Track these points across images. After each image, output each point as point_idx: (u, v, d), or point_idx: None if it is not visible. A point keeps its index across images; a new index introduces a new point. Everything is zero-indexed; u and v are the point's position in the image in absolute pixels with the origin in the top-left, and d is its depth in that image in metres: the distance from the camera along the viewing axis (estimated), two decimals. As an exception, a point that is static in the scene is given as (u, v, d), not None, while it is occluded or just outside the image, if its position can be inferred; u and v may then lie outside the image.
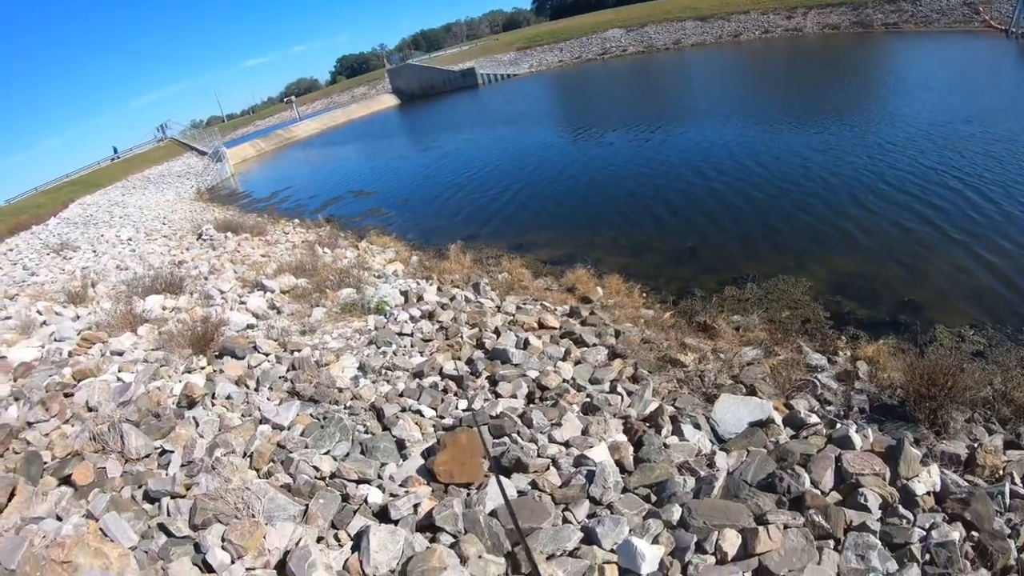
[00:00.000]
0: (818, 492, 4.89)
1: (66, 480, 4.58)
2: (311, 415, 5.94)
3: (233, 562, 3.77)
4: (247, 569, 3.75)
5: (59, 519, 4.11)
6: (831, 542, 4.47)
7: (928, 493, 4.98)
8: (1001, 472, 5.44)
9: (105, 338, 7.89)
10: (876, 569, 4.21)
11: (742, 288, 9.88)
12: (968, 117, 18.06)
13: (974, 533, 4.58)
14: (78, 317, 9.25)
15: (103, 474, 4.66)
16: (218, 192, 36.40)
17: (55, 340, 7.99)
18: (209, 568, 3.73)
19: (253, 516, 4.13)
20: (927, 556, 4.36)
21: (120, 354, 7.46)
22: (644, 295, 10.19)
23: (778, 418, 6.04)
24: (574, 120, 32.47)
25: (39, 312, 9.24)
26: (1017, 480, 5.32)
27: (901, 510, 4.77)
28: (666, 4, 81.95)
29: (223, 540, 3.89)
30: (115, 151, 65.21)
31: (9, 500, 4.17)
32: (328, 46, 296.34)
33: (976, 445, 5.73)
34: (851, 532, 4.52)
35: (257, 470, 5.01)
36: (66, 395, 5.94)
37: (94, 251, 17.45)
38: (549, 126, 31.40)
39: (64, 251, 17.82)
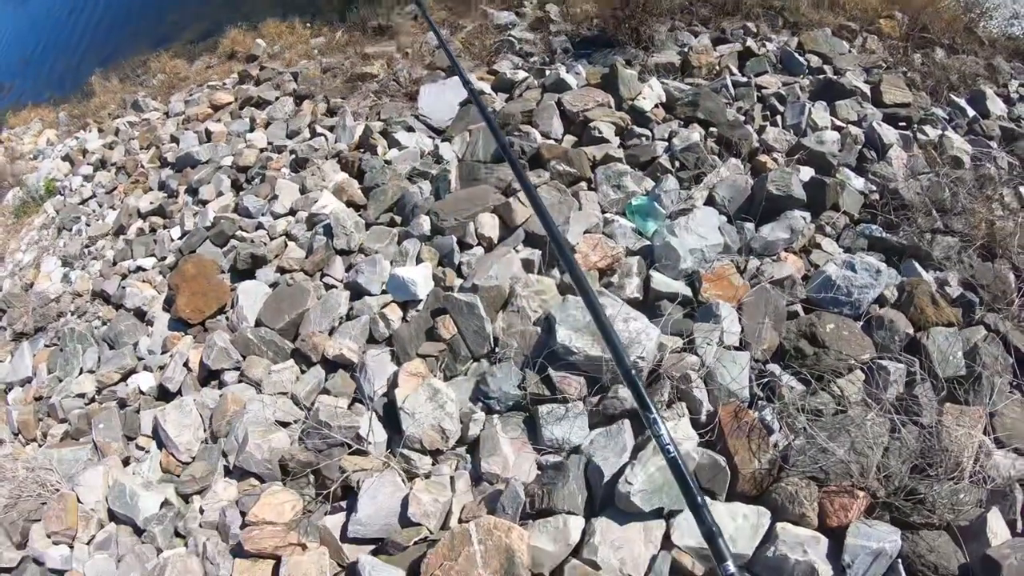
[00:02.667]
0: (552, 142, 4.86)
1: None
2: (46, 346, 5.28)
3: (72, 548, 3.44)
4: (88, 544, 3.45)
5: None
6: (584, 184, 4.52)
7: (657, 105, 5.10)
8: (718, 67, 5.71)
9: None
10: (634, 192, 4.31)
11: None
12: None
13: (712, 129, 4.79)
14: None
15: None
16: None
17: None
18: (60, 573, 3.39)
19: (57, 491, 3.71)
20: (676, 163, 4.50)
21: None
22: (308, 25, 9.24)
23: (487, 87, 5.94)
24: None
25: None
26: (734, 70, 5.69)
27: (637, 130, 4.89)
28: None
29: (49, 537, 3.49)
30: None
31: None
32: None
33: (686, 49, 5.90)
34: (598, 167, 4.55)
35: (29, 439, 4.51)
36: None
37: None
38: None
39: None
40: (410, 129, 5.69)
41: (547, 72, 5.80)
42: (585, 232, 4.06)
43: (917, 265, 3.63)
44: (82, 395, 4.54)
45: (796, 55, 5.77)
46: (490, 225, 4.15)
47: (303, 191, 5.41)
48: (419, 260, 4.18)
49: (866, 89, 5.24)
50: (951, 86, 5.54)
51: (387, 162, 5.29)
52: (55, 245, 6.78)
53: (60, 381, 4.76)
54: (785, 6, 6.60)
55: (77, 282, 5.88)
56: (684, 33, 6.35)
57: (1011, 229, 3.78)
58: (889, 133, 4.68)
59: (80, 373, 4.78)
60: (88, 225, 6.74)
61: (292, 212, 5.25)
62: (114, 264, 5.79)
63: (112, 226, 6.43)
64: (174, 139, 7.33)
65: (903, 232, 3.86)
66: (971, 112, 5.20)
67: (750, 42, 5.97)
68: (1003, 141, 4.89)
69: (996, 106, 5.33)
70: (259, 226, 5.21)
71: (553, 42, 6.58)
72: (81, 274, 5.99)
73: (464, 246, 4.18)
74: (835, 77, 5.40)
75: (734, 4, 6.67)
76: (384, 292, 4.08)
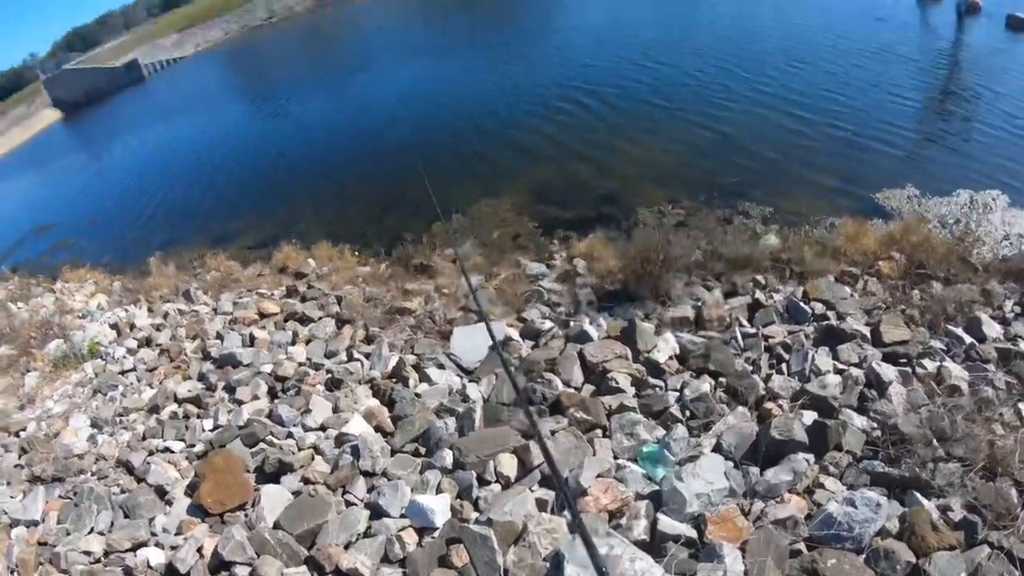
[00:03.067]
0: (572, 390, 5.27)
1: None
2: (60, 496, 5.60)
3: None
4: None
5: None
6: (599, 431, 4.86)
7: (671, 358, 5.51)
8: (728, 319, 6.14)
9: None
10: (646, 440, 4.59)
11: (449, 222, 10.42)
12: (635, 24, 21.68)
13: (722, 379, 5.15)
14: None
15: None
16: None
17: None
18: None
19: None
20: (687, 412, 4.83)
21: None
22: (356, 253, 10.43)
23: (515, 334, 6.56)
24: (251, 95, 31.85)
25: None
26: (744, 322, 6.13)
27: (651, 381, 5.25)
28: None
29: None
30: None
31: None
32: None
33: (700, 303, 6.40)
34: (614, 416, 4.90)
35: None
36: None
37: None
38: (225, 107, 30.32)
39: None
40: (441, 366, 6.28)
41: (571, 323, 6.39)
42: (598, 476, 4.36)
43: (919, 495, 3.79)
44: (88, 553, 4.84)
45: (801, 304, 6.25)
46: (509, 465, 4.54)
47: (335, 410, 5.99)
48: (439, 490, 4.53)
49: (866, 331, 5.63)
50: (948, 317, 5.81)
51: (417, 395, 5.86)
52: (88, 405, 7.31)
53: (68, 534, 5.08)
54: (792, 259, 7.19)
55: (104, 446, 6.38)
56: (699, 288, 6.85)
57: (1011, 447, 3.88)
58: (888, 371, 5.00)
59: (90, 532, 5.11)
60: (124, 396, 7.36)
61: (323, 428, 5.79)
62: (143, 439, 6.33)
63: (147, 403, 7.05)
64: (219, 336, 8.16)
65: (904, 464, 4.00)
66: (968, 339, 5.46)
67: (759, 294, 6.52)
68: (1000, 362, 5.12)
69: (992, 330, 5.60)
70: (289, 435, 5.76)
71: (579, 294, 7.19)
72: (109, 440, 6.50)
73: (483, 481, 4.53)
74: (837, 323, 5.83)
75: (745, 259, 7.22)
76: (403, 516, 4.42)
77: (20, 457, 6.46)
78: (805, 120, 12.25)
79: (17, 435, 6.94)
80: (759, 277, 7.02)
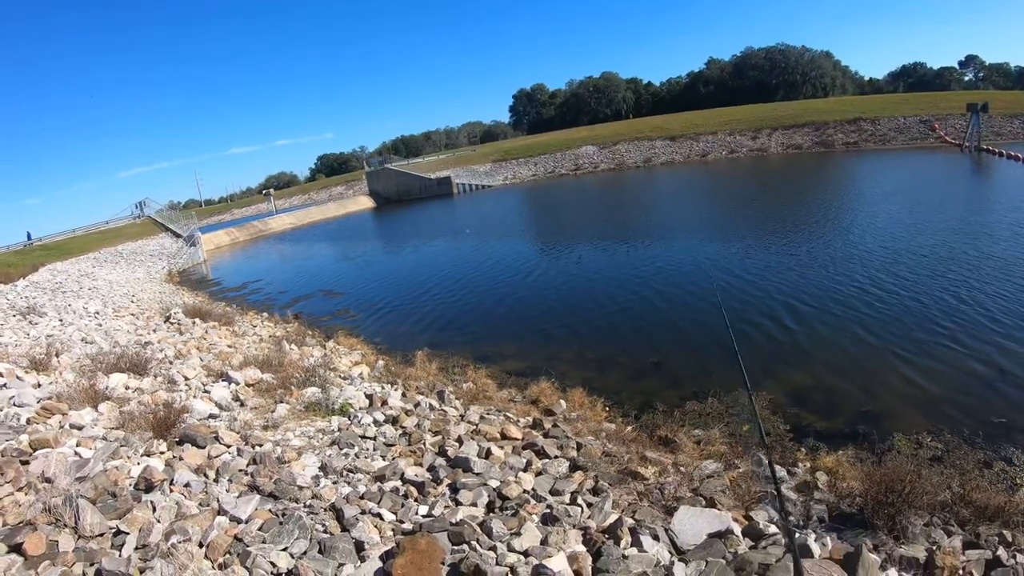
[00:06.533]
0: None
1: (16, 548, 4.51)
2: (270, 511, 5.90)
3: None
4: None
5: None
6: None
7: None
8: (961, 572, 5.55)
9: (65, 410, 7.83)
10: None
11: (703, 403, 10.07)
12: (922, 229, 20.93)
13: None
14: (39, 385, 9.13)
15: (55, 547, 4.59)
16: (189, 276, 36.61)
17: (14, 405, 7.89)
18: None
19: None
20: None
21: (80, 428, 7.41)
22: (607, 409, 10.39)
23: (737, 529, 6.09)
24: (544, 233, 34.48)
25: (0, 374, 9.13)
26: None
27: None
28: (638, 123, 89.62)
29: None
30: (29, 236, 59.41)
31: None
32: (311, 143, 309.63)
33: (935, 548, 5.84)
34: None
35: (212, 560, 4.95)
36: (22, 463, 5.87)
37: (60, 320, 17.20)
38: (520, 238, 32.88)
39: (31, 315, 17.50)
40: (656, 538, 5.86)
41: (796, 535, 5.93)
42: None
43: None
44: (274, 565, 4.94)
45: None
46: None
47: (543, 542, 5.69)
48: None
49: None
50: None
51: (624, 556, 5.47)
52: (323, 451, 7.84)
53: (265, 542, 5.23)
54: None
55: (324, 488, 6.65)
56: (938, 531, 6.25)
57: None
58: None
59: (284, 549, 5.18)
60: (357, 456, 7.79)
61: (526, 553, 5.50)
62: (361, 498, 6.46)
63: (376, 471, 7.34)
64: (459, 440, 8.40)
65: None
66: None
67: (1001, 551, 5.80)
68: None
69: None
70: (493, 548, 5.50)
71: (813, 508, 6.76)
72: (331, 485, 6.79)
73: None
74: None
75: (996, 510, 6.44)
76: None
77: (248, 465, 7.04)
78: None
79: (253, 447, 7.61)
80: (1007, 532, 6.23)
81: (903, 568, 5.58)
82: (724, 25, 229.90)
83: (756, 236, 23.62)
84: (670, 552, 5.80)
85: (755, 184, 45.24)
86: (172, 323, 16.64)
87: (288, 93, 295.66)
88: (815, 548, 5.59)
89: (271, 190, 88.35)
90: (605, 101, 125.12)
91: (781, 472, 7.77)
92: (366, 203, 72.84)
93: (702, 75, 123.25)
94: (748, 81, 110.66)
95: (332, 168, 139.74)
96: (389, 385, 11.28)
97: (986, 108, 50.76)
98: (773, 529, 6.11)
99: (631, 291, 18.27)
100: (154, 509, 5.50)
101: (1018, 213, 22.61)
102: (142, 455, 6.81)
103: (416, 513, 6.26)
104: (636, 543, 5.78)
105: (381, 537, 5.67)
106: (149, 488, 5.92)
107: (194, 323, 16.62)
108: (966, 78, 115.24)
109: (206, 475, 6.59)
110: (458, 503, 6.49)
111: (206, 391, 9.77)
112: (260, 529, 5.45)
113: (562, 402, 10.53)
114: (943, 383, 10.17)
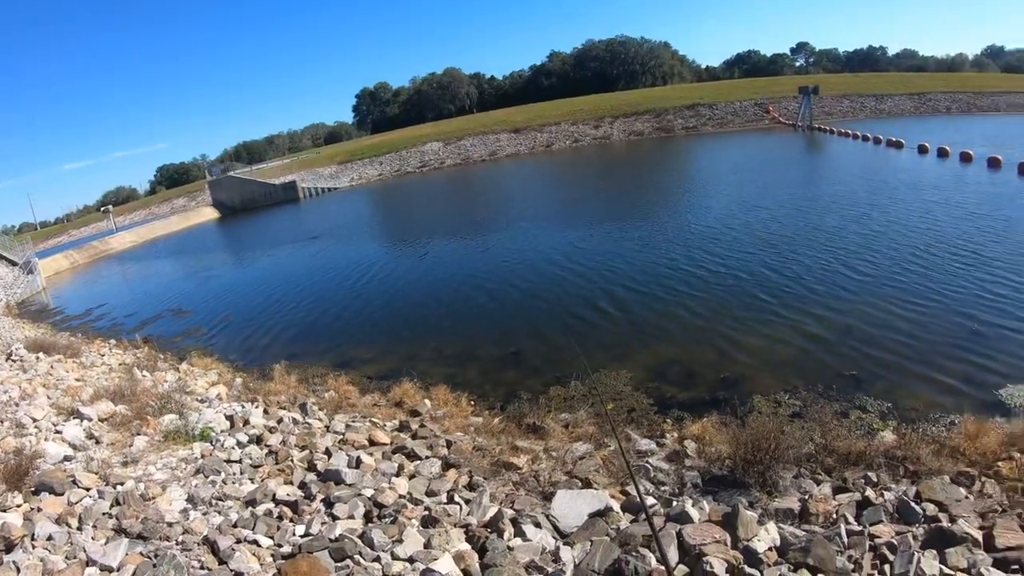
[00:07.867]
0: (664, 569, 4.97)
1: None
2: (141, 553, 5.52)
3: None
4: None
5: None
6: None
7: (770, 549, 5.34)
8: (835, 516, 5.96)
9: None
10: None
11: (566, 386, 10.50)
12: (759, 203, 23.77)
13: (820, 575, 4.99)
14: None
15: None
16: (28, 307, 32.26)
17: None
18: None
19: None
20: None
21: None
22: (472, 403, 10.57)
23: (616, 505, 6.43)
24: (393, 233, 34.69)
25: None
26: (851, 519, 5.91)
27: (747, 570, 5.06)
28: (482, 118, 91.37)
29: None
30: None
31: None
32: (149, 154, 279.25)
33: (807, 497, 6.27)
34: None
35: None
36: None
37: None
38: (370, 240, 32.71)
39: None
40: (538, 525, 6.12)
41: (674, 503, 6.31)
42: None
43: None
44: None
45: (913, 504, 5.94)
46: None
47: (427, 546, 5.83)
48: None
49: (979, 535, 5.29)
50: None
51: (510, 548, 5.71)
52: (188, 481, 7.40)
53: None
54: (907, 456, 6.92)
55: (195, 521, 6.32)
56: (808, 481, 6.70)
57: None
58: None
59: None
60: (224, 483, 7.43)
61: (411, 560, 5.61)
62: (234, 526, 6.23)
63: (246, 495, 7.07)
64: (328, 452, 8.30)
65: None
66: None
67: (869, 491, 6.24)
68: None
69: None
70: (377, 559, 5.56)
71: (686, 475, 7.14)
72: (201, 517, 6.45)
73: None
74: (948, 525, 5.49)
75: (858, 455, 7.03)
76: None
77: (112, 507, 6.58)
78: (930, 312, 11.88)
79: (115, 487, 7.09)
80: (871, 474, 6.80)
81: (780, 520, 5.90)
82: (566, 19, 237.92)
83: (598, 223, 25.32)
84: (554, 537, 6.02)
85: (598, 171, 48.12)
86: (14, 360, 14.90)
87: (115, 103, 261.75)
88: (694, 513, 5.86)
89: (110, 207, 79.11)
90: (449, 97, 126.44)
91: (650, 445, 8.20)
92: (210, 214, 67.74)
93: (544, 68, 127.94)
94: (590, 72, 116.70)
95: (173, 179, 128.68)
96: (249, 403, 10.85)
97: (817, 90, 57.27)
98: (651, 500, 6.48)
99: (479, 285, 18.71)
100: (18, 570, 5.02)
101: (840, 186, 26.35)
102: (-2, 513, 6.28)
103: (293, 534, 6.14)
104: (519, 533, 5.97)
105: (261, 564, 5.52)
106: (10, 548, 5.36)
107: (37, 358, 14.86)
108: (798, 63, 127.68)
109: (68, 524, 6.06)
110: (335, 517, 6.43)
111: (58, 431, 8.84)
112: (134, 575, 5.15)
113: (426, 401, 10.62)
114: (794, 345, 11.12)
